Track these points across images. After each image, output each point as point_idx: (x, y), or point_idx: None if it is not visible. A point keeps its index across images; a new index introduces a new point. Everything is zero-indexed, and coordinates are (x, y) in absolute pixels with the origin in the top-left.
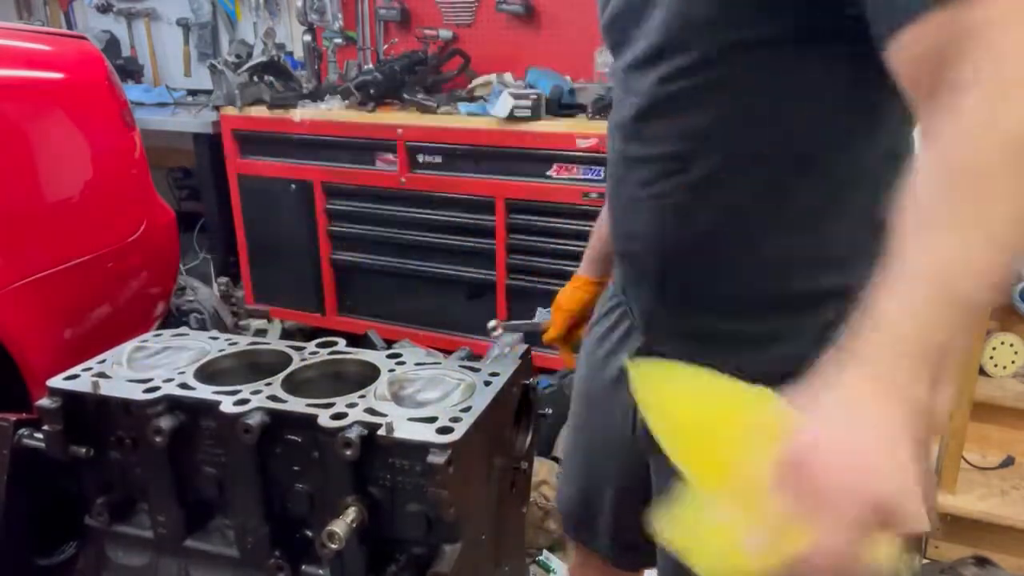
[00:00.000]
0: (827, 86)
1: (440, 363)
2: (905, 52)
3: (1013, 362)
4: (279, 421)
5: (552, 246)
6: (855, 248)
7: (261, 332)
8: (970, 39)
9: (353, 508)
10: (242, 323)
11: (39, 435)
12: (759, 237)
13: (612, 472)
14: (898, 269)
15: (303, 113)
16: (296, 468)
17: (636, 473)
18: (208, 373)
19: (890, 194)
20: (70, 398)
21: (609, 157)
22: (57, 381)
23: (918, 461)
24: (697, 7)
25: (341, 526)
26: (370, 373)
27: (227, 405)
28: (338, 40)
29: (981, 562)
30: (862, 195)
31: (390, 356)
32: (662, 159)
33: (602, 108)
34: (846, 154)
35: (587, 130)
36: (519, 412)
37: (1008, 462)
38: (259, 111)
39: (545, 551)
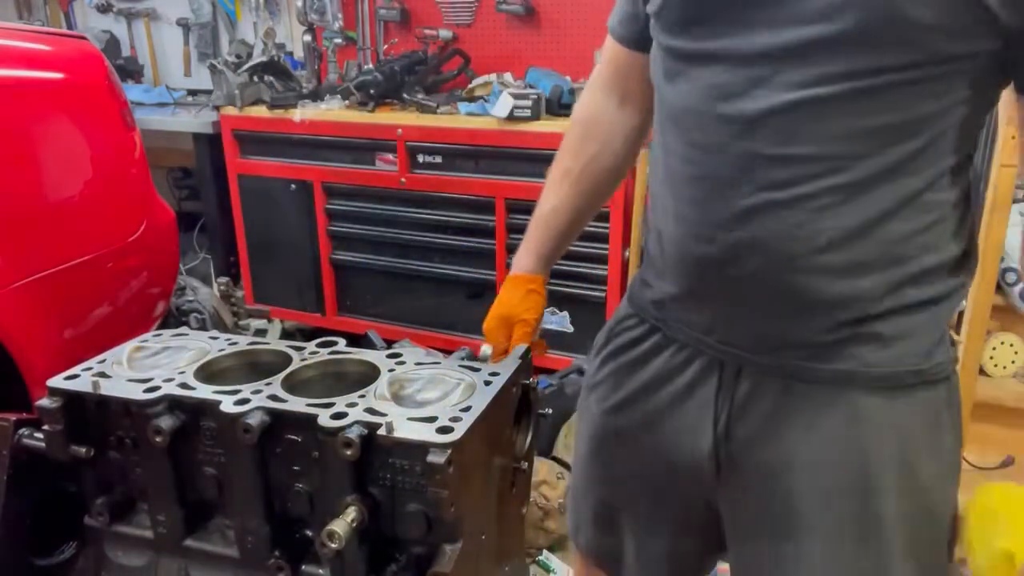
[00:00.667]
0: (983, 107)
1: (440, 363)
2: None
3: (1013, 362)
4: (279, 421)
5: None
6: (965, 253)
7: (261, 332)
8: None
9: (353, 508)
10: (242, 323)
11: (39, 435)
12: (898, 240)
13: (670, 515)
14: None
15: (303, 113)
16: (296, 468)
17: (696, 513)
18: (208, 373)
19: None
20: (70, 398)
21: (689, 155)
22: (57, 381)
23: None
24: (918, 9)
25: (341, 526)
26: (370, 373)
27: (227, 405)
28: (338, 40)
29: None
30: (965, 204)
31: (390, 356)
32: (813, 159)
33: None
34: (967, 167)
35: None
36: (519, 412)
37: (1008, 462)
38: (259, 111)
39: (545, 551)
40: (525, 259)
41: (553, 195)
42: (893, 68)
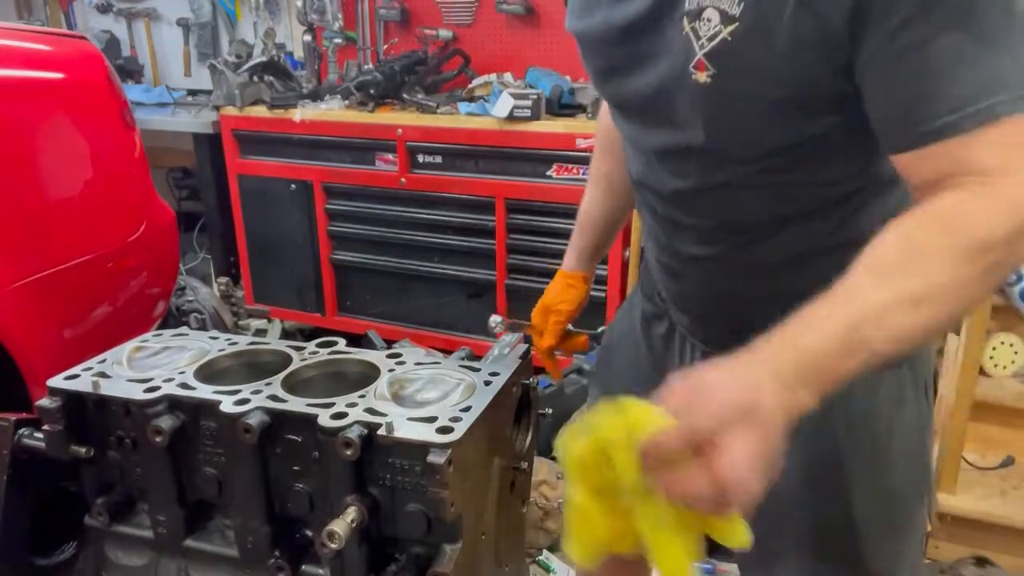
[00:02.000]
0: (861, 157)
1: (440, 363)
2: (912, 168)
3: (1013, 362)
4: (279, 421)
5: (552, 246)
6: None
7: (261, 332)
8: (971, 175)
9: (353, 508)
10: (242, 323)
11: (39, 435)
12: (825, 267)
13: None
14: (829, 303)
15: (303, 113)
16: (296, 468)
17: None
18: (208, 373)
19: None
20: (70, 398)
21: (645, 203)
22: (57, 381)
23: (773, 434)
24: (747, 120)
25: (341, 526)
26: (370, 373)
27: (227, 405)
28: (338, 40)
29: (981, 562)
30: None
31: (390, 356)
32: (713, 228)
33: None
34: (878, 195)
35: (587, 130)
36: (519, 412)
37: (1008, 462)
38: (259, 111)
39: (545, 551)
40: (567, 257)
41: (586, 196)
42: (753, 160)
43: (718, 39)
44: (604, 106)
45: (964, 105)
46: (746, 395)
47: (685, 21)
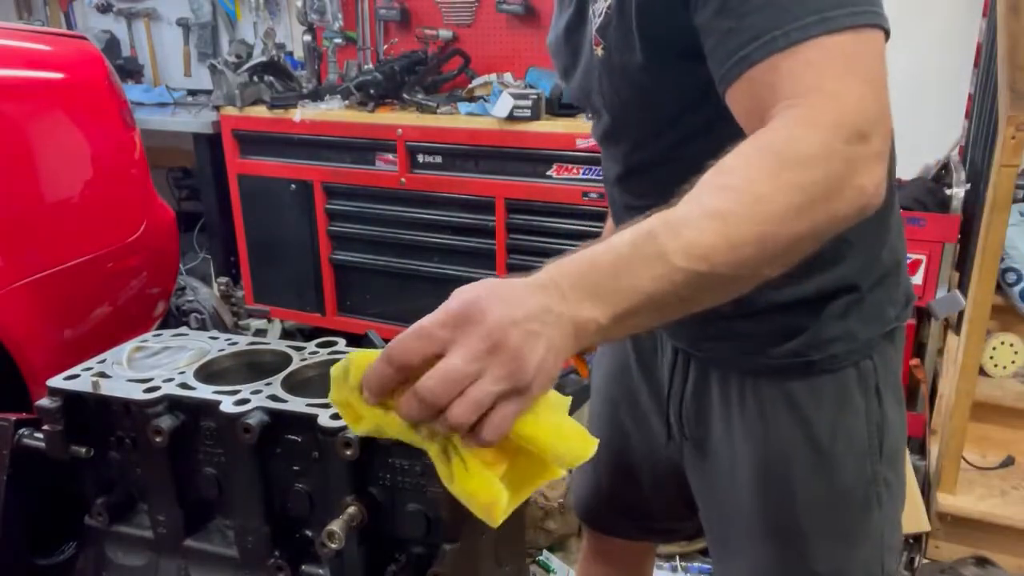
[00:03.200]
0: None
1: None
2: (735, 104)
3: (1013, 362)
4: (279, 421)
5: (552, 246)
6: (846, 245)
7: (261, 332)
8: (782, 100)
9: (353, 508)
10: (242, 323)
11: (39, 435)
12: None
13: (646, 470)
14: (633, 224)
15: (303, 113)
16: (296, 468)
17: (670, 473)
18: (208, 373)
19: None
20: (70, 398)
21: (609, 198)
22: (57, 381)
23: (540, 336)
24: (635, 90)
25: (341, 526)
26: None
27: (227, 405)
28: (338, 40)
29: (981, 562)
30: None
31: None
32: (647, 207)
33: None
34: None
35: (587, 130)
36: None
37: (1008, 462)
38: (259, 111)
39: (545, 551)
40: None
41: (606, 226)
42: (660, 135)
43: (603, 14)
44: None
45: (766, 32)
46: (501, 316)
47: (589, 3)
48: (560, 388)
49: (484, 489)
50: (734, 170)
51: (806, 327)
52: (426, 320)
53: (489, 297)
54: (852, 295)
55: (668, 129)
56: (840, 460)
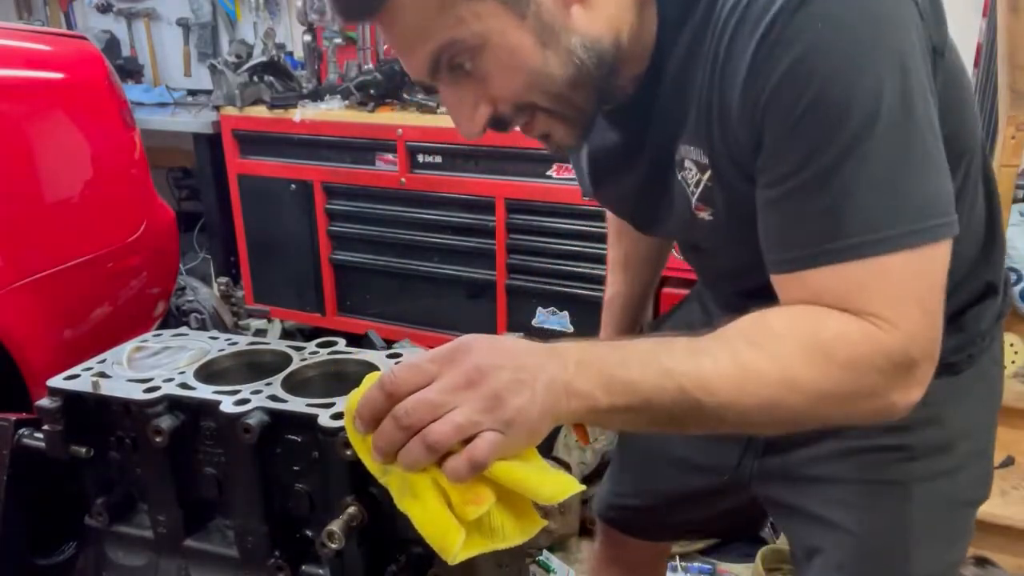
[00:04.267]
0: None
1: None
2: (783, 290)
3: (1013, 362)
4: (279, 421)
5: (552, 246)
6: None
7: (261, 332)
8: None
9: (353, 508)
10: (242, 323)
11: (39, 435)
12: None
13: (705, 485)
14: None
15: (303, 113)
16: (296, 468)
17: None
18: (208, 373)
19: None
20: (70, 398)
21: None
22: (57, 381)
23: (526, 386)
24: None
25: (341, 526)
26: (370, 373)
27: (227, 405)
28: (338, 40)
29: (981, 562)
30: None
31: (390, 356)
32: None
33: None
34: None
35: None
36: None
37: (1008, 462)
38: (259, 111)
39: (545, 551)
40: (601, 334)
41: (609, 283)
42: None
43: (702, 186)
44: None
45: (818, 243)
46: (490, 361)
47: (677, 172)
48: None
49: (435, 522)
50: (775, 334)
51: (947, 339)
52: (421, 355)
53: (484, 342)
54: (991, 298)
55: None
56: (967, 457)
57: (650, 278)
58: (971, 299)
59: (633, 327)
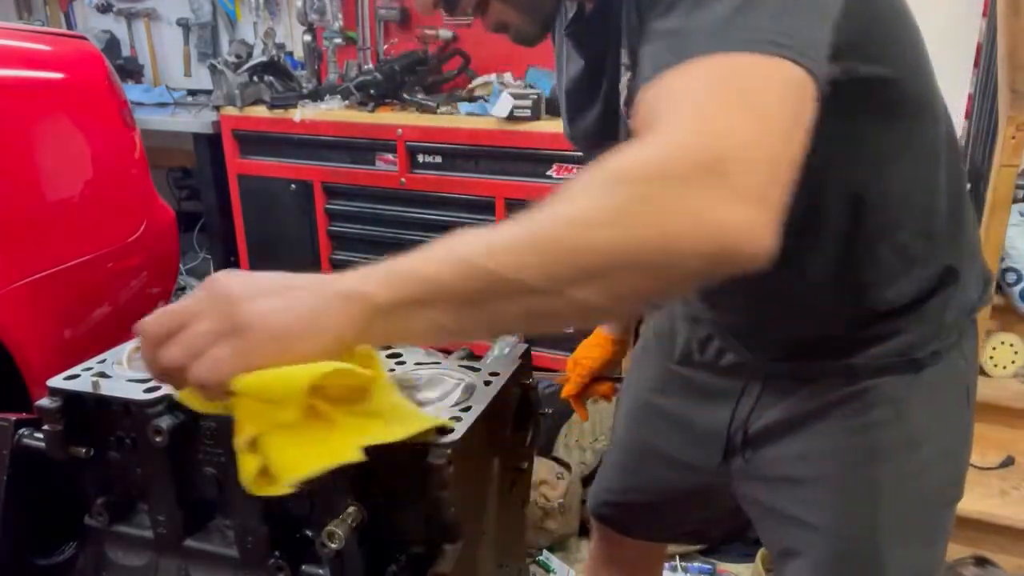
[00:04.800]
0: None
1: (440, 363)
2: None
3: (1013, 362)
4: None
5: None
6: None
7: None
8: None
9: (353, 508)
10: None
11: (39, 435)
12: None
13: (690, 481)
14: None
15: (303, 113)
16: None
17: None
18: None
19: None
20: (70, 398)
21: None
22: (57, 381)
23: (276, 295)
24: None
25: (341, 526)
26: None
27: None
28: (338, 40)
29: (981, 562)
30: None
31: (390, 356)
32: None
33: None
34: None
35: None
36: (519, 412)
37: (1008, 462)
38: (259, 111)
39: (545, 551)
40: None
41: None
42: None
43: (627, 88)
44: None
45: (664, 54)
46: (244, 286)
47: (621, 75)
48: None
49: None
50: (568, 187)
51: (908, 328)
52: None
53: (233, 274)
54: (952, 286)
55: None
56: (935, 456)
57: None
58: (931, 284)
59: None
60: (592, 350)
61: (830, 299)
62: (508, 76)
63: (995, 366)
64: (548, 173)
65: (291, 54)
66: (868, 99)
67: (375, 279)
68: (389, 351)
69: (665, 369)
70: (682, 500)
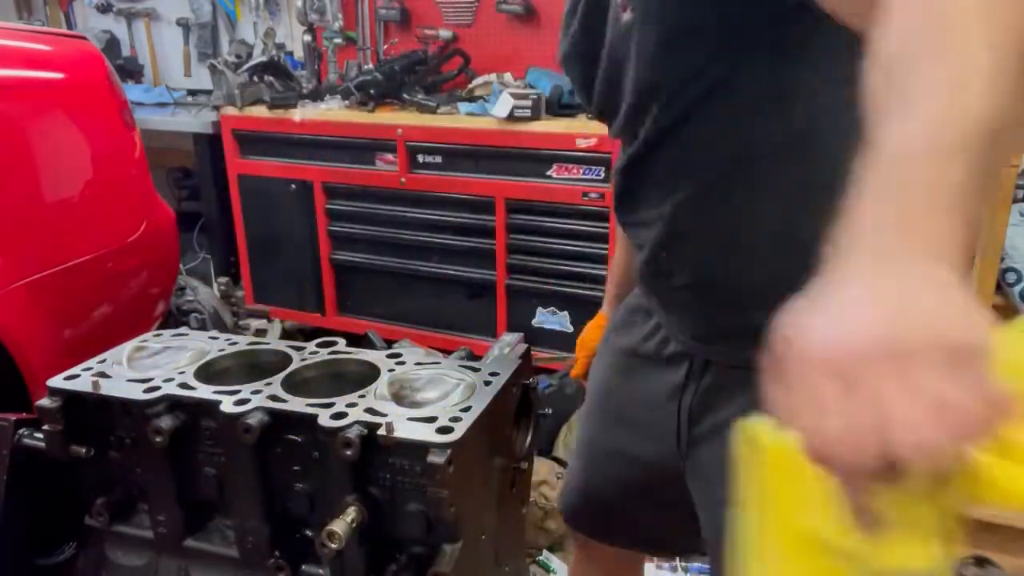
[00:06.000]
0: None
1: (440, 363)
2: None
3: None
4: (279, 421)
5: (552, 246)
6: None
7: (261, 332)
8: None
9: (353, 508)
10: (242, 323)
11: (39, 435)
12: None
13: (640, 478)
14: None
15: (303, 113)
16: (296, 468)
17: (670, 483)
18: (208, 373)
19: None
20: (70, 398)
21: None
22: (57, 381)
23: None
24: (666, 47)
25: (341, 526)
26: (370, 373)
27: (227, 405)
28: (338, 40)
29: (981, 562)
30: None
31: (390, 356)
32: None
33: None
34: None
35: (587, 130)
36: (519, 412)
37: None
38: (259, 111)
39: (545, 551)
40: (604, 302)
41: (616, 248)
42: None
43: None
44: None
45: None
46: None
47: None
48: (560, 388)
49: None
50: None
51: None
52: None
53: (809, 322)
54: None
55: (690, 85)
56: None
57: None
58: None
59: (630, 288)
60: (597, 331)
61: (774, 258)
62: (508, 76)
63: None
64: (548, 173)
65: (291, 54)
66: None
67: (924, 229)
68: (389, 351)
69: (616, 363)
70: (637, 499)
